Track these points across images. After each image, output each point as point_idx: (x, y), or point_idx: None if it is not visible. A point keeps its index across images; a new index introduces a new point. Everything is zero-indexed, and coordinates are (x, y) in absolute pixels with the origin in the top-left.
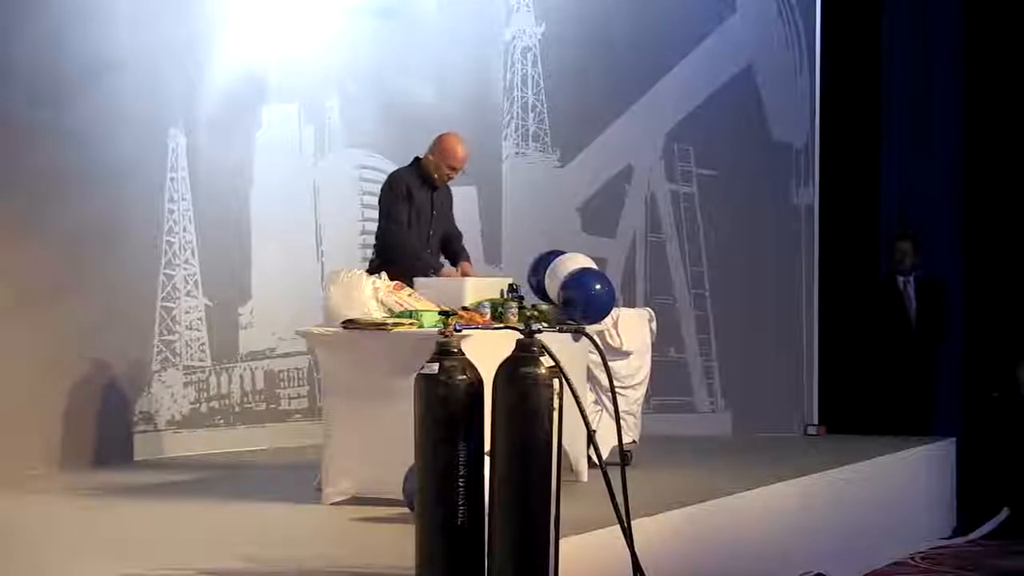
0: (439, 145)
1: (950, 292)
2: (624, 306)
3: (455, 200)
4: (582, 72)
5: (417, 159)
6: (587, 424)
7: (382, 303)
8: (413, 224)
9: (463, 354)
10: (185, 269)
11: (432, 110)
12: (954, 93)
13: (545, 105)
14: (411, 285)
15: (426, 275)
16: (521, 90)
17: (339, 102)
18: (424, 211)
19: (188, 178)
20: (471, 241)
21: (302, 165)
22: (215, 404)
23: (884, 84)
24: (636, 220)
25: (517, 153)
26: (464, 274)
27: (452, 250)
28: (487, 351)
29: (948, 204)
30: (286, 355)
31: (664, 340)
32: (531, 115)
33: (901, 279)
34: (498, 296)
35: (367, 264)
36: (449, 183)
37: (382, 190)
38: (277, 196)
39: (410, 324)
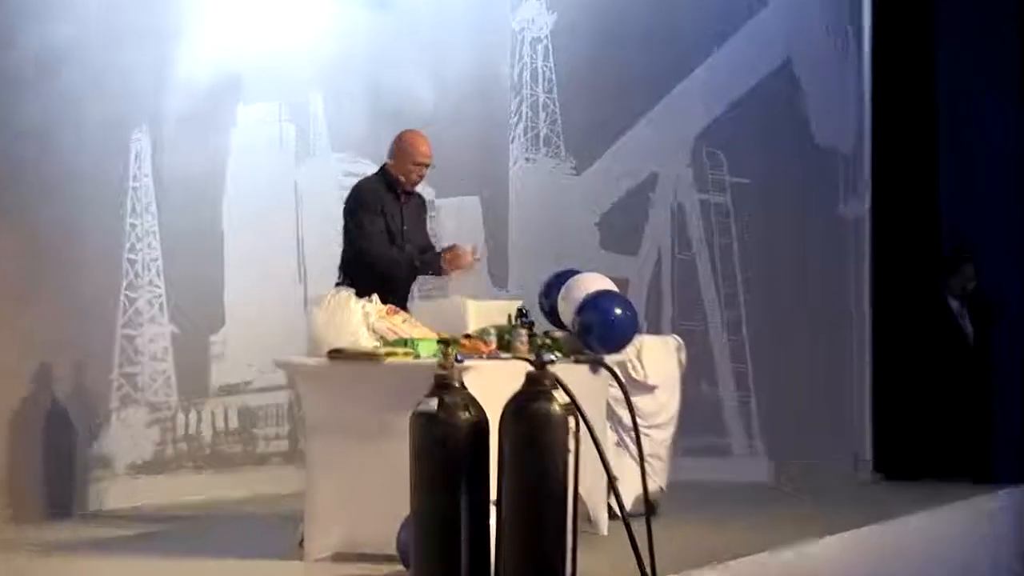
0: (397, 145)
1: (1011, 313)
2: (648, 333)
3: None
4: (599, 67)
5: (382, 168)
6: (607, 469)
7: (373, 330)
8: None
9: (465, 388)
10: (149, 291)
11: (429, 109)
12: (1013, 92)
13: (557, 104)
14: (402, 305)
15: (410, 275)
16: (531, 87)
17: (324, 100)
18: (395, 224)
19: (153, 186)
20: (480, 263)
21: (282, 171)
22: (183, 446)
23: (939, 80)
24: (662, 235)
25: (527, 159)
26: (454, 262)
27: (425, 260)
28: (493, 385)
29: (1007, 217)
30: (263, 390)
31: (694, 372)
32: (542, 115)
33: (955, 301)
34: (505, 322)
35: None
36: (422, 193)
37: (349, 202)
38: (254, 207)
39: (405, 354)
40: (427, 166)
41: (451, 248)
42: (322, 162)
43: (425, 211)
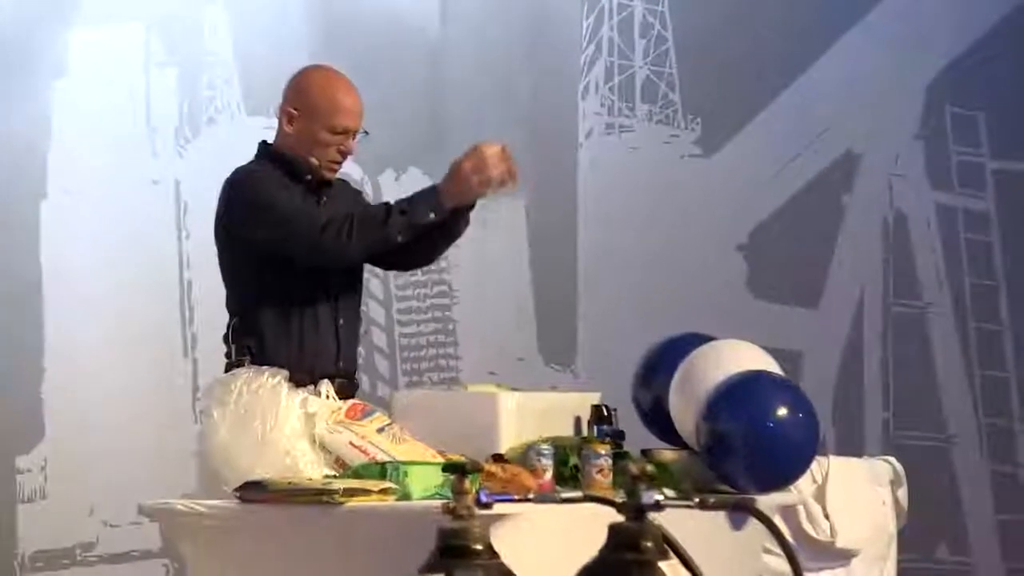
0: (299, 95)
1: None
2: (838, 454)
3: None
4: None
5: (265, 145)
6: None
7: (322, 446)
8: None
9: (496, 556)
10: None
11: (422, 33)
12: None
13: (671, 33)
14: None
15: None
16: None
17: (230, 22)
18: None
19: None
20: (513, 315)
21: (149, 156)
22: None
23: None
24: (864, 269)
25: (609, 127)
26: (483, 171)
27: (414, 204)
28: (547, 548)
29: None
30: (118, 558)
31: (926, 526)
32: (639, 50)
33: None
34: (571, 432)
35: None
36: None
37: (231, 202)
38: (100, 220)
39: (381, 492)
40: (354, 134)
41: (469, 155)
42: (226, 135)
43: (357, 202)
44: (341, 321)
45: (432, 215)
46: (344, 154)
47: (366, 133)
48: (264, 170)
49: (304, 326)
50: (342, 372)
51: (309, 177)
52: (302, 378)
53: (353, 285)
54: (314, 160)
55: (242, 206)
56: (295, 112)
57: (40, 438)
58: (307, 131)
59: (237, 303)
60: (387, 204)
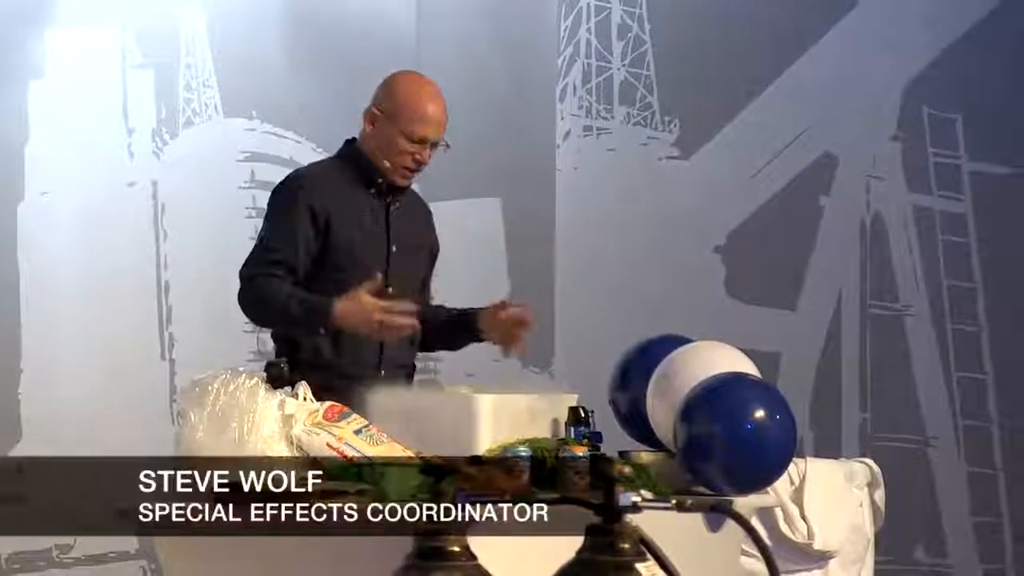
0: (385, 99)
1: None
2: (816, 455)
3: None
4: None
5: (351, 143)
6: None
7: (299, 447)
8: (334, 269)
9: (475, 558)
10: None
11: (398, 36)
12: None
13: (649, 35)
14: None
15: (321, 325)
16: None
17: (207, 24)
18: (361, 241)
19: None
20: None
21: (126, 158)
22: None
23: None
24: (842, 272)
25: (587, 129)
26: (512, 328)
27: (439, 319)
28: (526, 550)
29: None
30: (95, 560)
31: (903, 527)
32: (617, 52)
33: None
34: (548, 434)
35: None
36: (415, 190)
37: (269, 206)
38: (77, 222)
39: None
40: (435, 144)
41: (501, 306)
42: (200, 137)
43: (431, 231)
44: None
45: (321, 330)
46: (419, 163)
47: (447, 146)
48: (314, 172)
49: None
50: (384, 379)
51: (380, 181)
52: (339, 384)
53: (413, 286)
54: (387, 163)
55: (269, 200)
56: (379, 113)
57: (17, 439)
58: (386, 134)
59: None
60: (296, 295)
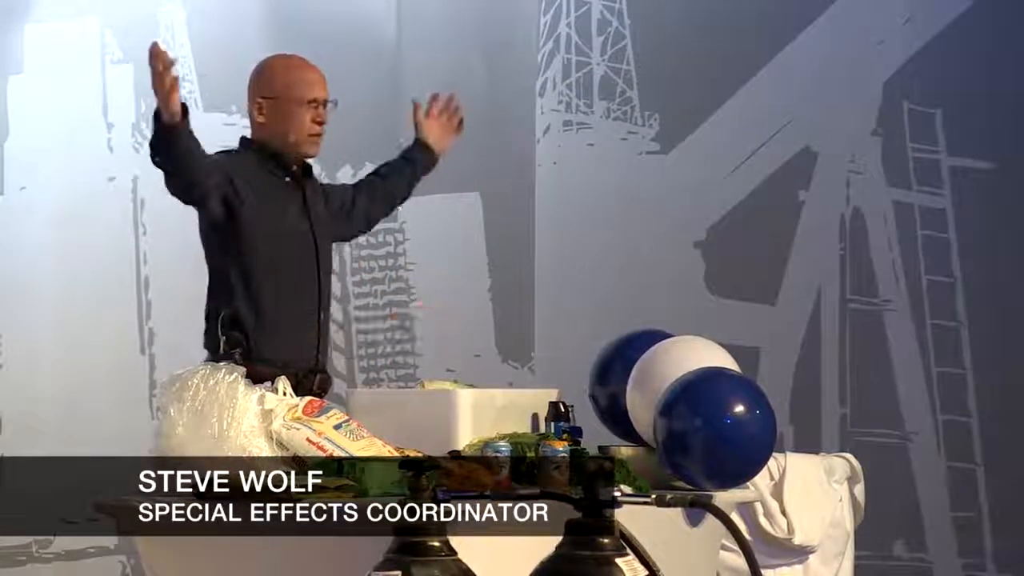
0: (263, 82)
1: None
2: (795, 450)
3: None
4: None
5: (245, 140)
6: None
7: (279, 443)
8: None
9: (454, 553)
10: None
11: (378, 31)
12: None
13: (627, 27)
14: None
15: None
16: None
17: (186, 19)
18: (292, 221)
19: None
20: (470, 312)
21: (106, 153)
22: None
23: None
24: (821, 267)
25: (566, 124)
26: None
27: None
28: (506, 546)
29: None
30: (75, 555)
31: (886, 522)
32: (597, 47)
33: None
34: (528, 429)
35: (224, 351)
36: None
37: None
38: (56, 217)
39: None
40: (325, 102)
41: (418, 107)
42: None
43: (333, 202)
44: (322, 315)
45: (165, 120)
46: (321, 124)
47: (335, 103)
48: (230, 162)
49: (290, 318)
50: (321, 367)
51: (295, 168)
52: (277, 373)
53: (330, 280)
54: (292, 138)
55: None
56: (264, 100)
57: None
58: (278, 113)
59: (224, 294)
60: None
